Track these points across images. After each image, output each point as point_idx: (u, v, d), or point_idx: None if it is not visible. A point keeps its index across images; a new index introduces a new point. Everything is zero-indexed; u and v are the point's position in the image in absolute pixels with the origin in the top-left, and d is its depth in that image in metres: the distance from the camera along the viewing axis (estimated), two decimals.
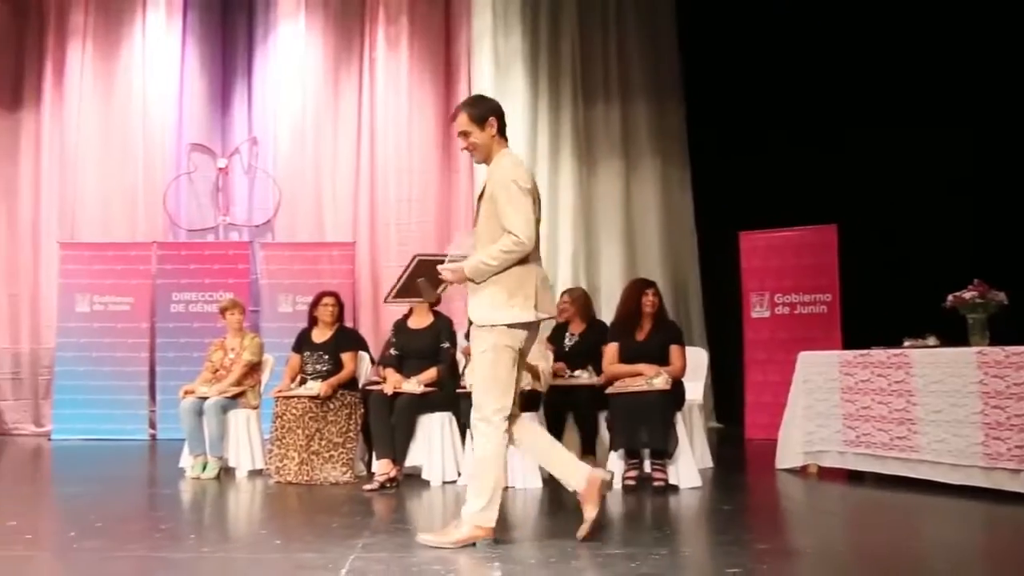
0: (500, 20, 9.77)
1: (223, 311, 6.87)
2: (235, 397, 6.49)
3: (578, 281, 9.16)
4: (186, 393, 6.50)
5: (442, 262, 4.20)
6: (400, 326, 6.45)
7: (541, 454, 4.32)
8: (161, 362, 9.13)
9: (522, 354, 4.11)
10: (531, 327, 4.06)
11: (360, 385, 6.48)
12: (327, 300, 6.56)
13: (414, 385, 5.99)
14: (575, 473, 4.12)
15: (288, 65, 9.88)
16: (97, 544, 4.14)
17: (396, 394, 5.96)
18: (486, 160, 4.13)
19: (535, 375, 5.89)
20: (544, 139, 9.67)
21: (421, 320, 6.33)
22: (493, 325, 3.97)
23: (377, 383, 6.37)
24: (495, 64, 9.72)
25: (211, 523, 5.07)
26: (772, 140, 9.03)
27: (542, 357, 6.08)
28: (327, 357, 6.36)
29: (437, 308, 6.38)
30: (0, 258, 9.81)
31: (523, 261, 3.99)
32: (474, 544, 3.98)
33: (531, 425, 4.30)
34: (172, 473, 6.54)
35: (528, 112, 9.65)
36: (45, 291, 9.63)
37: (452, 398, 6.12)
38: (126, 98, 9.87)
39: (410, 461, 6.04)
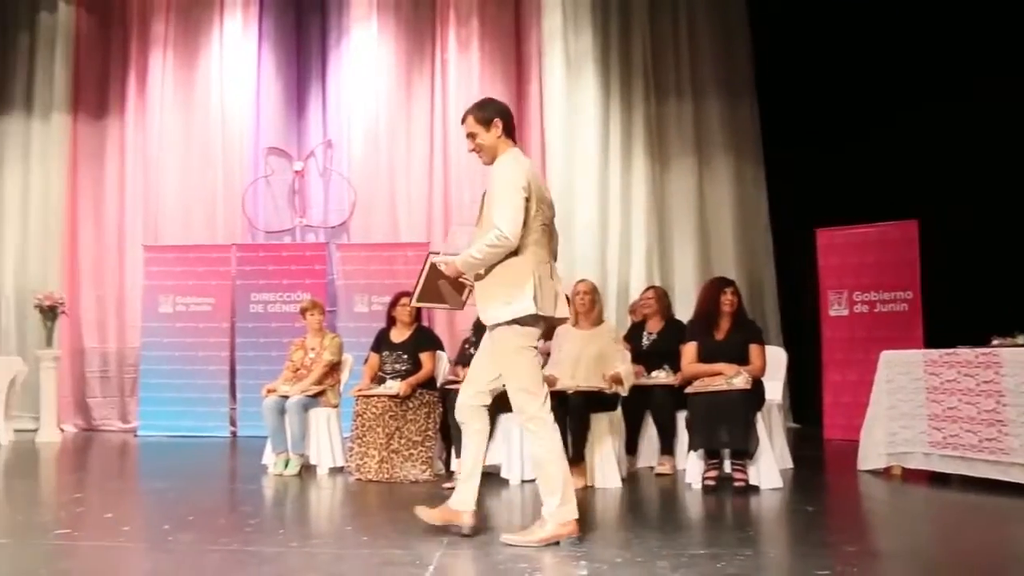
0: (570, 20, 9.78)
1: (303, 312, 6.99)
2: (316, 396, 6.61)
3: (651, 280, 9.12)
4: (268, 392, 6.64)
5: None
6: (479, 325, 6.47)
7: (471, 447, 4.41)
8: (241, 361, 9.32)
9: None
10: (538, 321, 4.09)
11: (438, 384, 6.54)
12: (405, 300, 6.61)
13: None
14: (468, 492, 4.31)
15: (361, 68, 10.00)
16: (191, 537, 4.26)
17: None
18: (492, 161, 4.21)
19: (616, 380, 5.89)
20: (616, 137, 9.65)
21: None
22: (500, 323, 4.06)
23: (455, 382, 6.41)
24: (566, 63, 9.73)
25: (297, 519, 5.17)
26: (849, 134, 8.88)
27: (621, 359, 6.08)
28: (406, 357, 6.44)
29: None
30: (87, 261, 10.12)
31: (515, 255, 4.01)
32: (558, 543, 4.01)
33: (483, 424, 4.40)
34: (255, 469, 6.68)
35: (600, 110, 9.64)
36: (130, 292, 9.92)
37: None
38: (205, 104, 10.12)
39: (488, 460, 6.07)
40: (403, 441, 6.13)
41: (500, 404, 5.96)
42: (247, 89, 10.02)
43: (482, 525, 4.46)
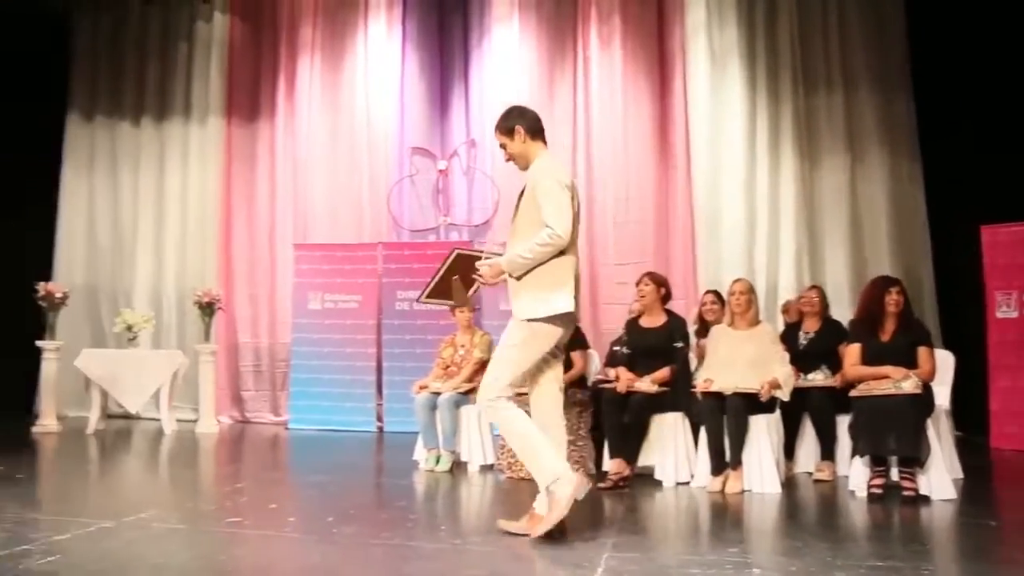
0: (714, 13, 9.56)
1: (453, 308, 7.05)
2: (467, 393, 6.65)
3: (802, 280, 8.84)
4: (420, 389, 6.72)
5: (479, 258, 4.39)
6: (632, 325, 6.41)
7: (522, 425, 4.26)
8: (387, 358, 9.48)
9: (557, 347, 4.26)
10: (568, 320, 4.18)
11: (588, 383, 6.49)
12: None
13: (647, 384, 5.94)
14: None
15: (503, 67, 10.03)
16: (354, 530, 4.34)
17: (629, 393, 5.93)
18: (527, 167, 4.35)
19: (774, 385, 5.72)
20: (763, 133, 9.38)
21: (654, 319, 6.27)
22: (532, 320, 4.11)
23: (606, 382, 6.37)
24: (710, 58, 9.52)
25: (454, 515, 5.21)
26: (1012, 127, 8.37)
27: (780, 361, 5.89)
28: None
29: (668, 309, 6.33)
30: (241, 259, 10.50)
31: (561, 255, 4.12)
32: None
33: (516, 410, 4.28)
34: (406, 465, 6.76)
35: (746, 105, 9.39)
36: (281, 290, 10.23)
37: (685, 398, 6.03)
38: (351, 106, 10.34)
39: (641, 461, 6.00)
40: None
41: (653, 405, 5.93)
42: (391, 90, 10.19)
43: (645, 527, 4.38)
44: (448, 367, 6.91)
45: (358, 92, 10.30)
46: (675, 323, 6.26)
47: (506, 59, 10.02)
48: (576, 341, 6.46)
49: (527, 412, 4.32)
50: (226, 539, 4.22)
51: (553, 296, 4.11)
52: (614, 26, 9.87)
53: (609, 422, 5.95)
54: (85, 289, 10.70)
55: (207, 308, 9.20)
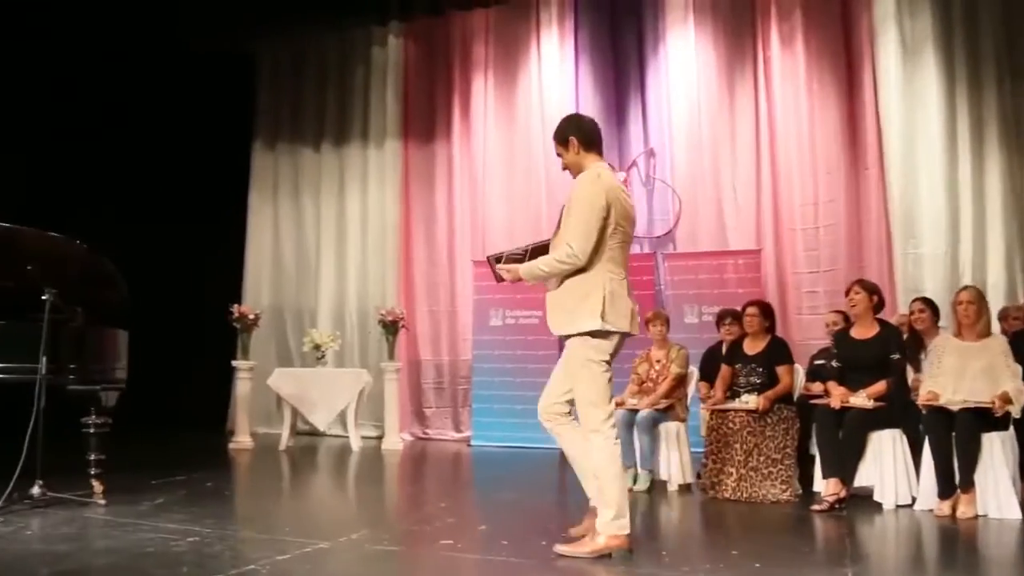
0: (905, 1, 9.00)
1: (647, 323, 6.85)
2: (665, 410, 6.41)
3: (1014, 287, 8.21)
4: (617, 405, 6.50)
5: (517, 255, 4.39)
6: (842, 337, 6.04)
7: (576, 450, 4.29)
8: None
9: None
10: (609, 336, 4.09)
11: (794, 398, 6.16)
12: (750, 310, 6.34)
13: (863, 399, 5.56)
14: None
15: (680, 74, 9.77)
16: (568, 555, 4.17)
17: (843, 409, 5.56)
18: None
19: (1006, 399, 5.23)
20: (964, 126, 8.71)
21: (866, 329, 5.88)
22: (570, 335, 4.11)
23: (812, 397, 6.03)
24: (902, 49, 8.93)
25: (672, 539, 4.96)
26: None
27: (1010, 376, 5.38)
28: (761, 369, 6.11)
29: (880, 318, 5.94)
30: (421, 277, 10.62)
31: (591, 271, 4.09)
32: (610, 555, 4.02)
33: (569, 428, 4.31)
34: None
35: (943, 98, 8.75)
36: (461, 307, 10.28)
37: (903, 413, 5.61)
38: (526, 121, 10.31)
39: (859, 480, 5.62)
40: (762, 459, 5.80)
41: (869, 421, 5.54)
42: (566, 103, 10.06)
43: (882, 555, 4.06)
44: (643, 383, 6.70)
45: (533, 107, 10.25)
46: (889, 333, 5.86)
47: (683, 65, 9.76)
48: (781, 355, 6.17)
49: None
50: (448, 564, 4.13)
51: (581, 312, 4.09)
52: (795, 22, 9.46)
53: (823, 440, 5.60)
54: (271, 310, 11.05)
55: (391, 327, 9.31)
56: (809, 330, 8.73)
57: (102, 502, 5.42)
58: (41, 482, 5.35)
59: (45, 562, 3.92)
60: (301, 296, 11.19)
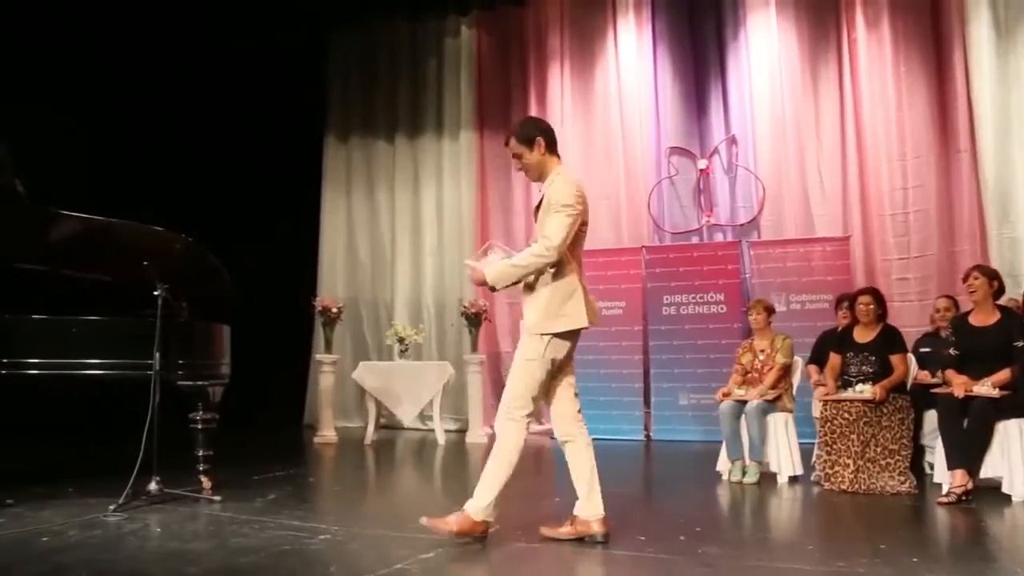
0: None
1: (747, 310, 6.77)
2: (774, 401, 6.31)
3: None
4: (723, 396, 6.43)
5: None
6: (960, 324, 5.89)
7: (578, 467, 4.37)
8: (654, 364, 9.26)
9: (563, 360, 4.27)
10: (576, 336, 4.24)
11: (907, 388, 6.03)
12: (863, 298, 6.20)
13: (988, 388, 5.41)
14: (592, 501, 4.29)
15: (762, 59, 9.62)
16: (718, 551, 4.11)
17: (967, 398, 5.42)
18: (540, 178, 4.41)
19: None
20: None
21: (986, 316, 5.73)
22: (543, 334, 4.15)
23: (930, 386, 5.89)
24: (995, 28, 8.70)
25: (810, 532, 4.83)
26: None
27: None
28: (873, 358, 5.98)
29: (1002, 303, 5.79)
30: None
31: (573, 271, 4.21)
32: (472, 537, 4.16)
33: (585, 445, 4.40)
34: (703, 476, 6.50)
35: None
36: None
37: None
38: (604, 110, 10.21)
39: (984, 472, 5.47)
40: (879, 449, 5.69)
41: (997, 411, 5.39)
42: (645, 92, 9.98)
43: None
44: (747, 373, 6.59)
45: (611, 96, 10.15)
46: (1011, 319, 5.70)
47: (764, 50, 9.62)
48: (895, 344, 6.04)
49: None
50: (601, 561, 4.04)
51: (568, 312, 4.17)
52: (881, 5, 9.29)
53: (947, 430, 5.46)
54: (346, 303, 11.00)
55: (474, 319, 9.28)
56: (900, 317, 8.51)
57: (217, 498, 5.43)
58: (158, 478, 5.37)
59: (188, 561, 3.92)
60: (377, 289, 11.20)
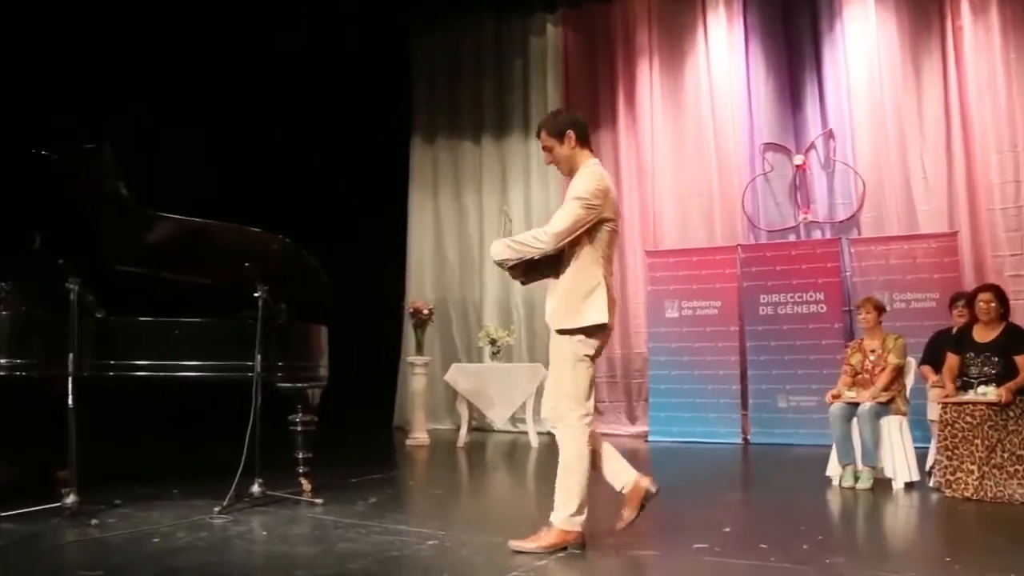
0: None
1: (857, 308, 6.55)
2: (887, 403, 6.05)
3: None
4: (834, 398, 6.19)
5: None
6: None
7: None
8: (752, 366, 9.02)
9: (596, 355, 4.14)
10: (603, 330, 4.10)
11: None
12: (984, 296, 5.92)
13: None
14: (622, 473, 4.18)
15: (859, 50, 9.31)
16: (844, 560, 3.94)
17: None
18: (571, 172, 4.26)
19: None
20: None
21: None
22: (564, 331, 4.06)
23: None
24: None
25: (954, 545, 4.56)
26: None
27: None
28: (996, 359, 5.69)
29: None
30: None
31: (597, 266, 4.06)
32: (564, 549, 4.00)
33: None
34: (813, 481, 6.26)
35: None
36: (633, 298, 10.06)
37: None
38: (695, 106, 10.01)
39: None
40: (1006, 455, 5.39)
41: None
42: (738, 87, 9.75)
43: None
44: (857, 374, 6.33)
45: (702, 92, 9.95)
46: None
47: (862, 40, 9.32)
48: (1019, 343, 5.75)
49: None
50: (727, 571, 3.88)
51: (588, 308, 4.04)
52: None
53: None
54: (435, 305, 10.99)
55: None
56: (1013, 316, 8.14)
57: (319, 501, 5.41)
58: (261, 480, 5.37)
59: (298, 565, 3.88)
60: (465, 291, 11.15)
